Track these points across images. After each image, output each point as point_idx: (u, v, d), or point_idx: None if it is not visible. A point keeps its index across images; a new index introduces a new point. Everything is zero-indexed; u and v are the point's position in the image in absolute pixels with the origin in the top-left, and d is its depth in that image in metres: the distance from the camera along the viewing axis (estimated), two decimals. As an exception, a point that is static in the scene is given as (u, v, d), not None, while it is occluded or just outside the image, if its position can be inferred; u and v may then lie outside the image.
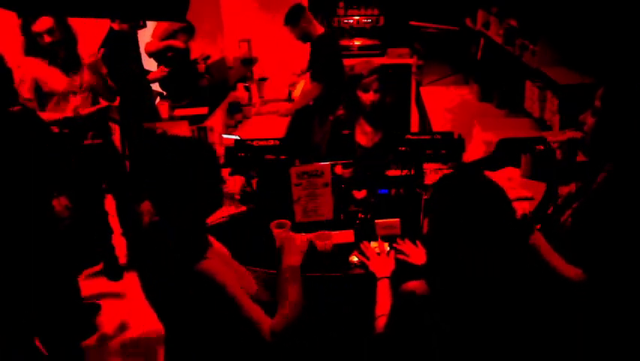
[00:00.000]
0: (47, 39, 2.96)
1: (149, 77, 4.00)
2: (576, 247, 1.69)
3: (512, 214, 1.42)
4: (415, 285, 1.44)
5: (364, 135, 3.02)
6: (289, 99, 4.59)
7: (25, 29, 2.96)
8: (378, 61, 5.32)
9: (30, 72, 2.99)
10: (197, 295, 1.41)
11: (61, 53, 3.05)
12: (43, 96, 3.03)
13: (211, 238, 1.66)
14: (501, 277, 1.36)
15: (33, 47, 2.99)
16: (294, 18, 4.06)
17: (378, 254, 2.01)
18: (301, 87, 4.72)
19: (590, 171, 1.77)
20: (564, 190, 1.92)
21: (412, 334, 1.43)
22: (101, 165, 3.34)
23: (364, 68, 2.93)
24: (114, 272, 3.54)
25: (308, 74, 4.36)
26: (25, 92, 2.94)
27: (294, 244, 1.68)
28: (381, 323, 1.66)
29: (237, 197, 2.61)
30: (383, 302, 1.75)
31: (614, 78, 1.74)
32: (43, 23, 2.93)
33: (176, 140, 1.60)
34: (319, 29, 4.14)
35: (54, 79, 3.03)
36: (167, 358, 1.64)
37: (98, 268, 3.58)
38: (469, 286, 1.36)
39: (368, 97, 2.90)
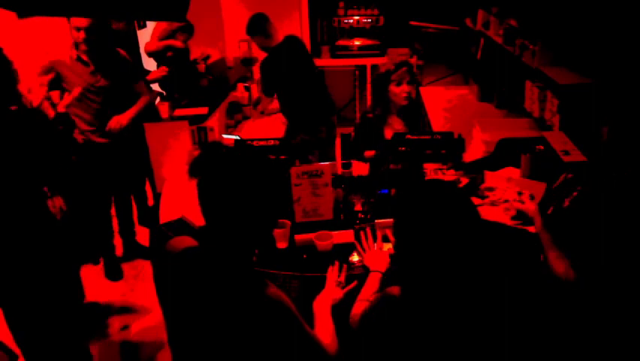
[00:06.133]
0: (82, 35, 3.01)
1: (149, 77, 4.00)
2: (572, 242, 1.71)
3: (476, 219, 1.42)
4: (398, 290, 1.44)
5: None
6: None
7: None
8: (378, 61, 5.38)
9: (56, 64, 3.04)
10: (268, 321, 1.31)
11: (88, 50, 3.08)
12: (63, 90, 3.06)
13: None
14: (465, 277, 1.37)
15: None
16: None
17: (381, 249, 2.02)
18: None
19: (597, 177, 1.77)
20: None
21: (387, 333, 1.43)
22: (105, 164, 3.34)
23: (390, 64, 2.90)
24: (114, 272, 3.55)
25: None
26: (44, 82, 2.97)
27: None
28: (358, 306, 1.67)
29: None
30: (368, 290, 1.76)
31: (614, 82, 1.74)
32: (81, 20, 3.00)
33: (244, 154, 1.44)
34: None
35: (75, 74, 3.07)
36: None
37: (98, 268, 3.58)
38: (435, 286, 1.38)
39: (403, 89, 2.84)
